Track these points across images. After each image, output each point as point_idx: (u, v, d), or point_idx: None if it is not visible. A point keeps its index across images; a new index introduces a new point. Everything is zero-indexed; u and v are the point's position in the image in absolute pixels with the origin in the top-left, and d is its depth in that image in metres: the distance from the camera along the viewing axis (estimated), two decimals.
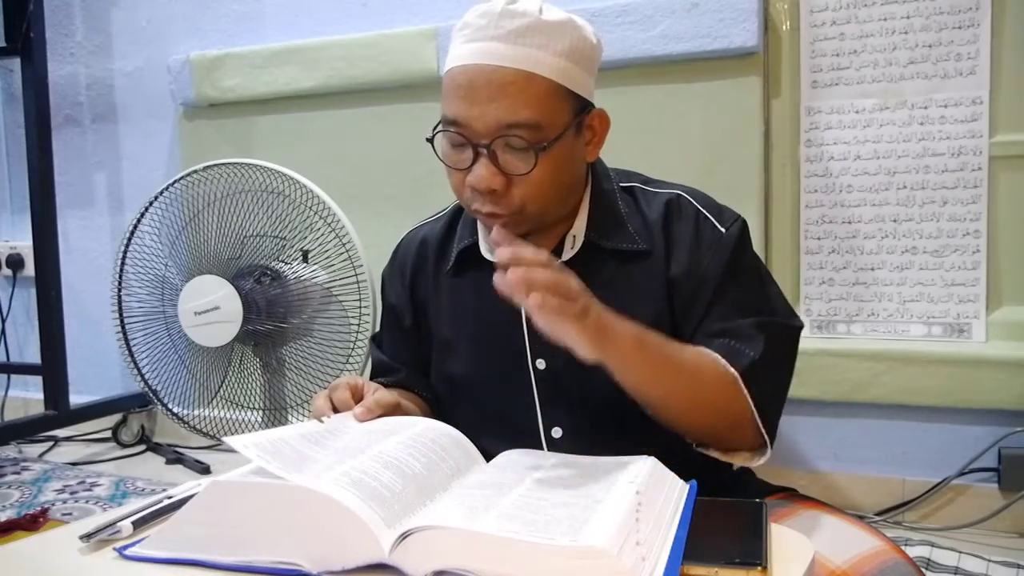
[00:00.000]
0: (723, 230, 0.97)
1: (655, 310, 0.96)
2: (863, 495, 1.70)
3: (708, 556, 0.63)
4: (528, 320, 0.99)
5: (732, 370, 0.89)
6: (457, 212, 1.10)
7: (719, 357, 0.90)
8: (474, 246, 1.04)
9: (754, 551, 0.64)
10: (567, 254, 0.98)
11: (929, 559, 1.44)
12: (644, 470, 0.76)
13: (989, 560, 1.43)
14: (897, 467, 1.69)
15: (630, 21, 1.76)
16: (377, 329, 1.21)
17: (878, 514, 1.67)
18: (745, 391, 0.89)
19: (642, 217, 1.00)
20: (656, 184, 1.04)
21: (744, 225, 0.99)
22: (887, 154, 1.67)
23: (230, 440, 0.71)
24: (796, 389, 1.68)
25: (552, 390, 0.99)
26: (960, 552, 1.47)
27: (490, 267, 1.01)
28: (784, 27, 1.72)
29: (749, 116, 1.73)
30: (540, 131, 0.90)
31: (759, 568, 0.61)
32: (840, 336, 1.73)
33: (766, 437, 0.92)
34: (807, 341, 1.73)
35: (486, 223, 0.97)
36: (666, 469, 0.80)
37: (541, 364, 1.00)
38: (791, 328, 0.97)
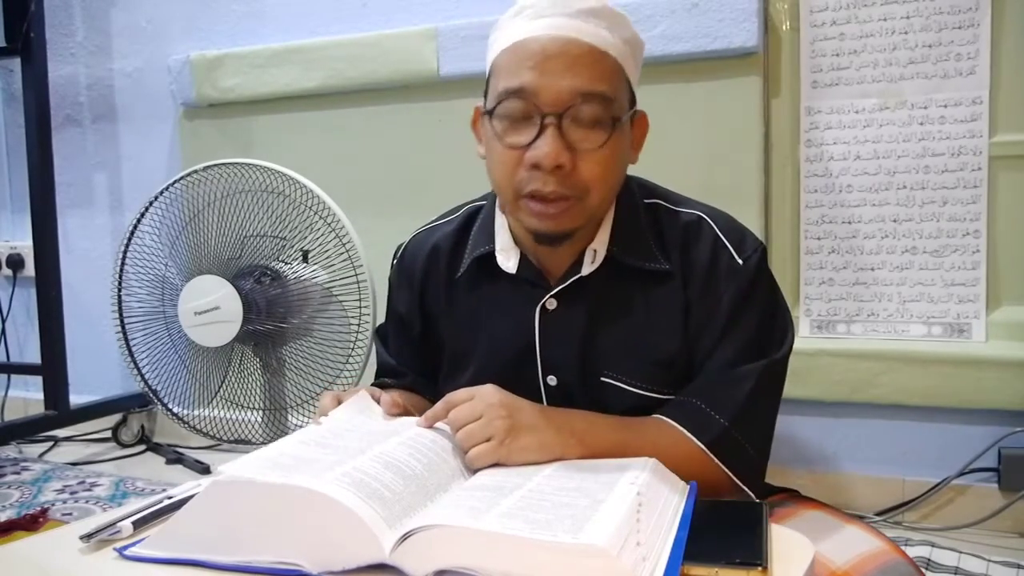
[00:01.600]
0: (740, 261, 0.93)
1: (673, 339, 0.94)
2: (863, 495, 1.70)
3: (708, 556, 0.63)
4: (539, 336, 0.97)
5: (698, 443, 0.88)
6: (470, 219, 1.06)
7: (684, 432, 0.89)
8: (490, 255, 0.99)
9: (754, 551, 0.64)
10: (587, 268, 0.95)
11: (929, 559, 1.44)
12: (645, 471, 0.76)
13: (989, 560, 1.43)
14: (897, 467, 1.69)
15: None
16: (378, 325, 1.19)
17: (878, 514, 1.67)
18: (716, 461, 0.88)
19: (663, 237, 0.96)
20: (679, 202, 1.00)
21: (763, 255, 0.96)
22: (887, 154, 1.67)
23: (226, 468, 0.70)
24: (796, 389, 1.71)
25: (563, 406, 0.97)
26: (960, 552, 1.47)
27: (504, 278, 0.98)
28: (784, 27, 1.72)
29: (749, 116, 1.73)
30: (612, 106, 0.88)
31: (759, 568, 0.62)
32: (840, 336, 1.74)
33: (747, 490, 0.91)
34: (807, 341, 1.73)
35: (538, 211, 0.89)
36: (667, 470, 0.80)
37: (552, 380, 0.98)
38: (779, 362, 0.95)
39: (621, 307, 0.95)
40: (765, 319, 0.95)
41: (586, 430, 0.86)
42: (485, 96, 0.94)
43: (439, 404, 0.84)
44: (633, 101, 0.94)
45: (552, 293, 0.96)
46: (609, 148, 0.88)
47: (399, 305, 1.10)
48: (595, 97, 0.86)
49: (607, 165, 0.88)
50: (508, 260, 0.98)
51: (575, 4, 0.88)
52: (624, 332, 0.95)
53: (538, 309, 0.97)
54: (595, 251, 0.95)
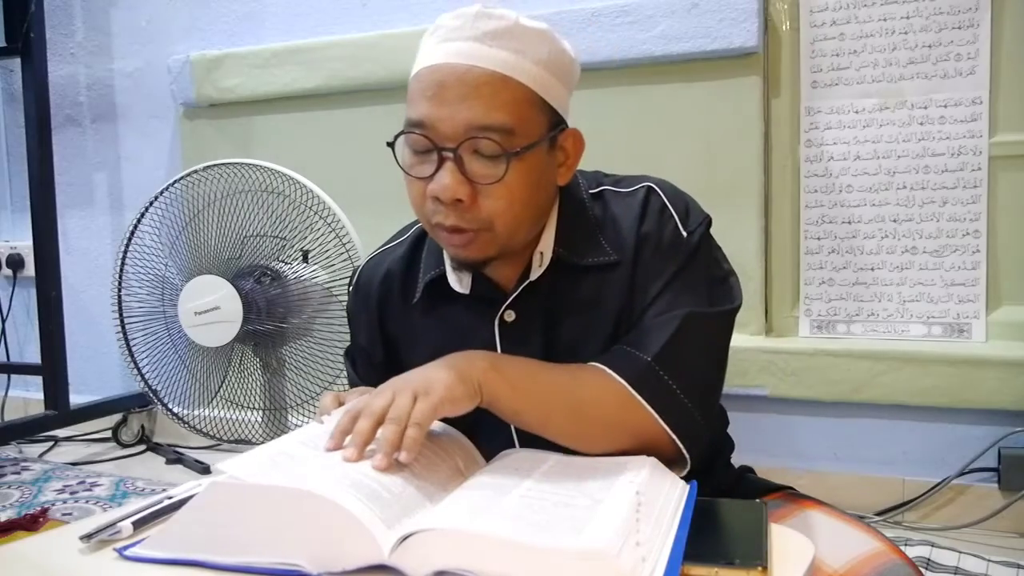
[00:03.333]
0: (684, 234, 0.92)
1: (629, 323, 0.92)
2: (863, 495, 1.70)
3: (708, 556, 0.63)
4: (502, 348, 0.95)
5: (619, 379, 0.85)
6: (419, 240, 1.04)
7: (605, 369, 0.86)
8: (441, 278, 0.98)
9: (754, 551, 0.64)
10: (535, 273, 0.93)
11: (929, 559, 1.44)
12: (644, 470, 0.76)
13: (989, 560, 1.44)
14: (897, 467, 1.69)
15: (630, 21, 1.76)
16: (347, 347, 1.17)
17: (878, 514, 1.67)
18: (640, 399, 0.84)
19: (616, 223, 0.95)
20: (625, 183, 0.98)
21: (708, 227, 0.95)
22: (887, 154, 1.67)
23: (225, 466, 0.69)
24: (796, 389, 1.71)
25: None
26: (960, 552, 1.47)
27: (460, 299, 0.97)
28: (784, 27, 1.72)
29: (749, 116, 1.73)
30: (513, 137, 0.83)
31: (759, 568, 0.61)
32: (840, 336, 1.73)
33: (679, 444, 0.85)
34: (807, 341, 1.73)
35: (447, 241, 0.89)
36: (666, 469, 0.80)
37: None
38: (717, 315, 0.91)
39: (576, 303, 0.94)
40: (703, 281, 0.92)
41: (496, 358, 0.86)
42: None
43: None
44: (557, 123, 0.89)
45: (507, 304, 0.94)
46: (510, 180, 0.84)
47: (360, 338, 1.08)
48: (492, 129, 0.83)
49: (511, 197, 0.85)
50: (460, 281, 0.96)
51: (482, 26, 0.84)
52: (583, 326, 0.94)
53: (497, 323, 0.95)
54: (541, 254, 0.94)
